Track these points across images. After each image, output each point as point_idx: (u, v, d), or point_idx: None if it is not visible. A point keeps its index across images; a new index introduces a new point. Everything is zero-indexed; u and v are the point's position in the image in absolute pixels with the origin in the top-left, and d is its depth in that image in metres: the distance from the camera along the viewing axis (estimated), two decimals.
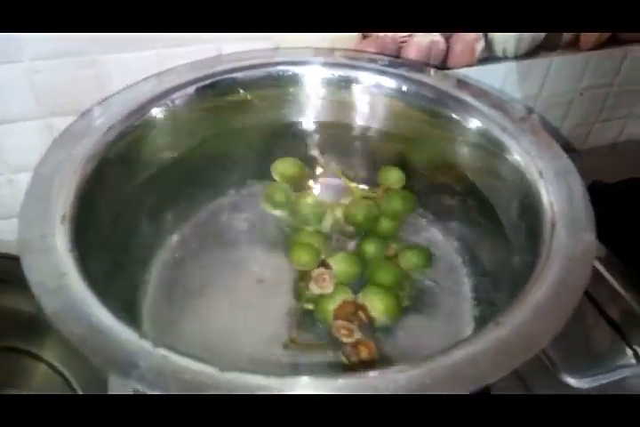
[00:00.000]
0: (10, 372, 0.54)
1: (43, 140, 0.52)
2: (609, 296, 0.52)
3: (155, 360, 0.28)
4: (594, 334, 0.51)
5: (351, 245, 0.48)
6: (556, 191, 0.38)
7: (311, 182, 0.49)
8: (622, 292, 0.53)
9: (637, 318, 0.51)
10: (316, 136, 0.52)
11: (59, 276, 0.32)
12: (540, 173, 0.39)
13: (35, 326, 0.55)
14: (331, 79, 0.50)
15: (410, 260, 0.45)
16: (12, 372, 0.54)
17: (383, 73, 0.50)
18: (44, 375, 0.54)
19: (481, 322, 0.42)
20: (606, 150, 0.74)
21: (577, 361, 0.46)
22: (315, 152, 0.52)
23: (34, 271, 0.32)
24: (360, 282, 0.43)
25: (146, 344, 0.28)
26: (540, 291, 0.31)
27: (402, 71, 0.50)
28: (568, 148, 0.72)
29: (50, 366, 0.56)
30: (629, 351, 0.49)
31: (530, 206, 0.38)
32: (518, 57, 0.62)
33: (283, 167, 0.50)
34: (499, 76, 0.63)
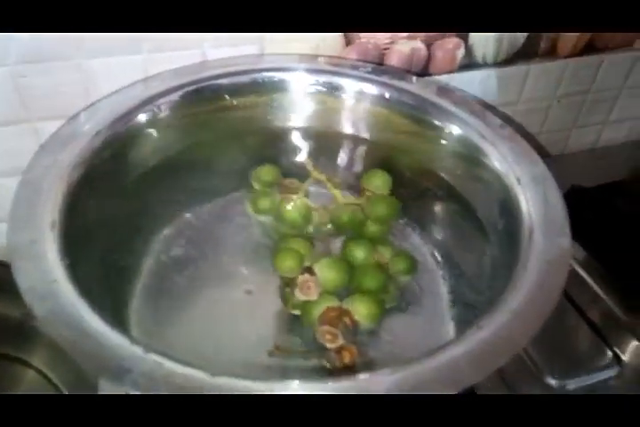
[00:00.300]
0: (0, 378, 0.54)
1: (29, 144, 0.52)
2: (589, 299, 0.53)
3: (147, 365, 0.28)
4: (575, 337, 0.52)
5: (336, 245, 0.48)
6: (534, 197, 0.39)
7: (295, 187, 0.49)
8: (602, 295, 0.54)
9: (617, 320, 0.52)
10: (301, 142, 0.53)
11: (49, 282, 0.32)
12: (518, 180, 0.40)
13: (23, 332, 0.54)
14: (315, 86, 0.51)
15: (397, 266, 0.45)
16: (0, 378, 0.54)
17: (366, 80, 0.51)
18: (32, 381, 0.54)
19: (460, 323, 0.43)
20: (585, 155, 0.75)
21: (559, 363, 0.47)
22: (299, 158, 0.53)
23: (24, 277, 0.32)
24: (346, 287, 0.44)
25: (137, 350, 0.29)
26: (518, 294, 0.32)
27: (384, 78, 0.51)
28: (546, 153, 0.74)
29: (38, 372, 0.55)
30: (610, 353, 0.50)
31: (508, 212, 0.40)
32: (498, 64, 0.63)
33: (260, 174, 0.51)
34: (478, 83, 0.64)
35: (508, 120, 0.65)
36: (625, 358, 0.50)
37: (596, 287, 0.54)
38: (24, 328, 0.54)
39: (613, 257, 0.56)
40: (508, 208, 0.40)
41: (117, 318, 0.39)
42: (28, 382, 0.54)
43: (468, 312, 0.41)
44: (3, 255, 0.56)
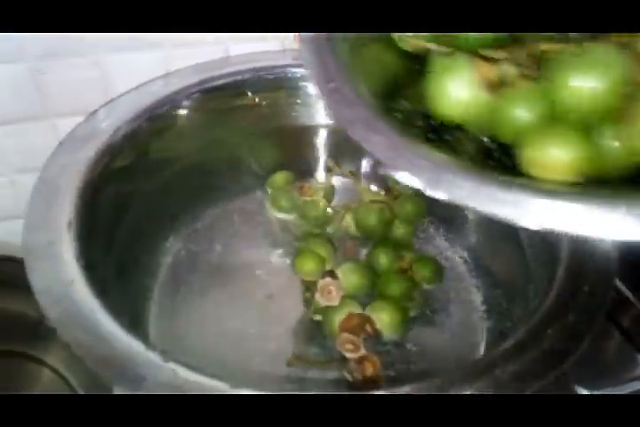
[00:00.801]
0: (14, 376, 0.53)
1: (47, 141, 0.51)
2: (619, 303, 0.51)
3: (162, 374, 0.27)
4: (604, 343, 0.50)
5: (362, 252, 0.46)
6: None
7: (314, 188, 0.48)
8: (632, 298, 0.52)
9: None
10: (326, 139, 0.52)
11: (65, 284, 0.31)
12: None
13: (39, 330, 0.54)
14: None
15: (422, 272, 0.43)
16: (17, 376, 0.54)
17: None
18: (47, 380, 0.54)
19: (492, 334, 0.41)
20: None
21: (588, 372, 0.46)
22: (324, 154, 0.52)
23: (39, 279, 0.31)
24: (370, 293, 0.42)
25: (153, 357, 0.28)
26: (559, 310, 0.30)
27: None
28: None
29: (54, 370, 0.55)
30: None
31: None
32: None
33: (274, 181, 0.50)
34: None
35: None
36: None
37: (624, 289, 0.52)
38: (41, 327, 0.53)
39: None
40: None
41: (134, 320, 0.38)
42: (44, 381, 0.54)
43: (502, 323, 0.38)
44: (20, 252, 0.57)
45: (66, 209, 0.36)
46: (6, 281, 0.55)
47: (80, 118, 0.50)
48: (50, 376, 0.55)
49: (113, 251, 0.39)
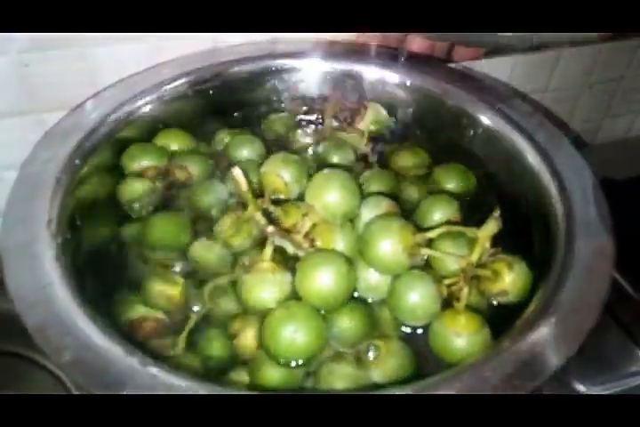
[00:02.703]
0: (10, 378, 0.52)
1: (34, 136, 0.50)
2: (619, 298, 0.50)
3: (142, 379, 0.26)
4: (604, 338, 0.49)
5: None
6: (572, 195, 0.36)
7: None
8: (633, 293, 0.51)
9: None
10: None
11: (43, 286, 0.30)
12: (557, 178, 0.37)
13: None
14: (332, 73, 0.48)
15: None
16: (13, 378, 0.53)
17: (386, 67, 0.48)
18: (42, 381, 0.53)
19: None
20: (616, 146, 0.72)
21: (588, 368, 0.45)
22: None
23: (16, 281, 0.30)
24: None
25: (133, 362, 0.26)
26: (557, 305, 0.29)
27: (405, 65, 0.48)
28: (577, 143, 0.70)
29: (48, 371, 0.54)
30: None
31: (545, 212, 0.36)
32: (526, 49, 0.60)
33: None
34: (505, 70, 0.61)
35: (537, 107, 0.63)
36: None
37: (625, 285, 0.51)
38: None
39: None
40: (545, 208, 0.36)
41: (114, 321, 0.37)
42: (40, 382, 0.52)
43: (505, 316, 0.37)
44: None
45: (46, 207, 0.34)
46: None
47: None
48: (44, 377, 0.54)
49: (95, 251, 0.38)
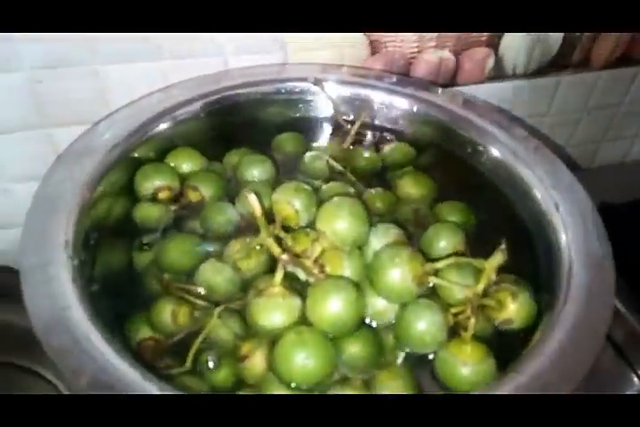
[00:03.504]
0: (6, 387, 0.53)
1: (41, 150, 0.51)
2: (613, 318, 0.51)
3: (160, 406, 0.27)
4: (598, 360, 0.50)
5: None
6: (573, 226, 0.37)
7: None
8: (627, 315, 0.52)
9: None
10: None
11: (61, 309, 0.30)
12: (557, 206, 0.38)
13: (32, 340, 0.53)
14: (343, 97, 0.49)
15: None
16: (9, 387, 0.53)
17: (393, 92, 0.49)
18: (37, 389, 0.53)
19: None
20: (614, 170, 0.73)
21: (581, 390, 0.46)
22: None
23: (34, 304, 0.31)
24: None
25: (151, 388, 0.27)
26: (557, 338, 0.30)
27: (409, 90, 0.49)
28: (574, 166, 0.72)
29: (44, 380, 0.54)
30: (634, 378, 0.49)
31: (546, 242, 0.37)
32: (528, 75, 0.61)
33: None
34: (507, 94, 0.62)
35: (534, 132, 0.64)
36: None
37: (620, 306, 0.52)
38: (32, 337, 0.52)
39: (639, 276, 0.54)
40: (546, 238, 0.37)
41: (124, 339, 0.37)
42: (34, 391, 0.53)
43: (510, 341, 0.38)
44: (8, 261, 0.56)
45: (62, 228, 0.35)
46: None
47: (76, 128, 0.50)
48: (40, 386, 0.54)
49: (112, 272, 0.39)
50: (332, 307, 0.32)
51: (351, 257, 0.36)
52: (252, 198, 0.34)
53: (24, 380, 0.54)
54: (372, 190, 0.45)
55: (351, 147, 0.49)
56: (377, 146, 0.50)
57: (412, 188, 0.45)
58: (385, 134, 0.50)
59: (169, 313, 0.37)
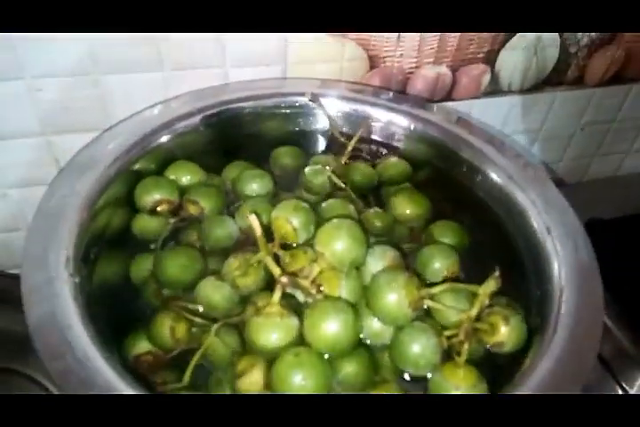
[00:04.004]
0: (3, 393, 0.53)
1: (40, 156, 0.52)
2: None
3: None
4: None
5: None
6: (564, 250, 0.38)
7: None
8: (614, 329, 0.53)
9: (627, 355, 0.51)
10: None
11: (63, 327, 0.31)
12: (548, 230, 0.39)
13: (26, 345, 0.54)
14: (340, 113, 0.50)
15: None
16: (3, 392, 0.53)
17: (389, 109, 0.50)
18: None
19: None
20: (605, 184, 0.74)
21: None
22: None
23: (36, 324, 0.31)
24: None
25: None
26: (547, 364, 0.31)
27: (404, 106, 0.50)
28: (562, 182, 0.73)
29: (41, 386, 0.55)
30: (618, 389, 0.50)
31: (538, 267, 0.38)
32: (523, 91, 0.62)
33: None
34: (502, 109, 0.63)
35: (526, 151, 0.65)
36: (633, 393, 0.50)
37: (607, 321, 0.53)
38: (28, 342, 0.53)
39: (626, 292, 0.55)
40: (538, 261, 0.38)
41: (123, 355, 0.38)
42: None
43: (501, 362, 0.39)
44: (5, 266, 0.56)
45: (64, 244, 0.35)
46: None
47: (76, 136, 0.51)
48: (36, 392, 0.54)
49: (115, 288, 0.39)
50: (330, 329, 0.33)
51: (348, 278, 0.37)
52: (253, 219, 0.35)
53: (25, 388, 0.54)
54: (372, 210, 0.45)
55: (348, 161, 0.49)
56: (373, 161, 0.51)
57: (407, 207, 0.45)
58: (381, 150, 0.51)
59: (167, 328, 0.37)
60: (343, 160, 0.49)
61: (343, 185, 0.46)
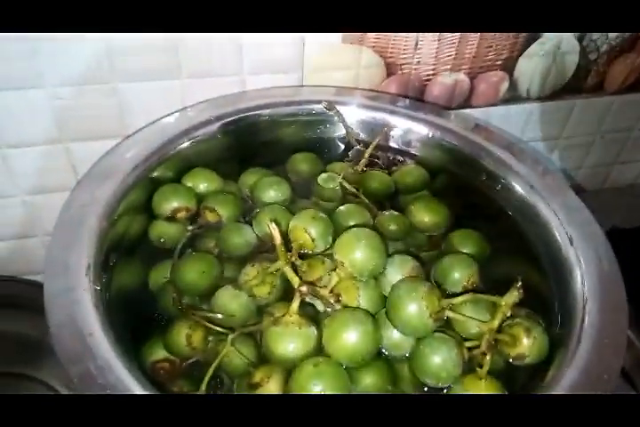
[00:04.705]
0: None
1: (57, 163, 0.52)
2: None
3: None
4: None
5: None
6: (587, 262, 0.37)
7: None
8: (635, 340, 0.52)
9: None
10: None
11: (84, 336, 0.31)
12: (571, 240, 0.38)
13: (41, 351, 0.54)
14: (357, 120, 0.50)
15: None
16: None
17: (406, 116, 0.50)
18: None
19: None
20: (625, 192, 0.73)
21: None
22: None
23: (58, 331, 0.31)
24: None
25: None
26: (571, 376, 0.31)
27: (420, 114, 0.49)
28: (581, 188, 0.72)
29: (54, 391, 0.55)
30: None
31: (561, 278, 0.38)
32: (542, 98, 0.62)
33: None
34: (521, 117, 0.63)
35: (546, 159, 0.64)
36: None
37: (628, 332, 0.52)
38: (42, 347, 0.53)
39: None
40: (561, 272, 0.38)
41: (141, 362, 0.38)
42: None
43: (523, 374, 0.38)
44: (22, 272, 0.57)
45: (85, 252, 0.36)
46: (7, 302, 0.55)
47: (94, 143, 0.51)
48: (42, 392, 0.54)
49: (135, 296, 0.39)
50: (350, 339, 0.33)
51: (367, 287, 0.36)
52: (274, 228, 0.35)
53: (35, 391, 0.55)
54: (386, 212, 0.45)
55: (365, 169, 0.49)
56: (389, 168, 0.50)
57: (425, 215, 0.45)
58: (399, 157, 0.51)
59: (184, 336, 0.37)
60: (360, 167, 0.48)
61: (355, 191, 0.46)
